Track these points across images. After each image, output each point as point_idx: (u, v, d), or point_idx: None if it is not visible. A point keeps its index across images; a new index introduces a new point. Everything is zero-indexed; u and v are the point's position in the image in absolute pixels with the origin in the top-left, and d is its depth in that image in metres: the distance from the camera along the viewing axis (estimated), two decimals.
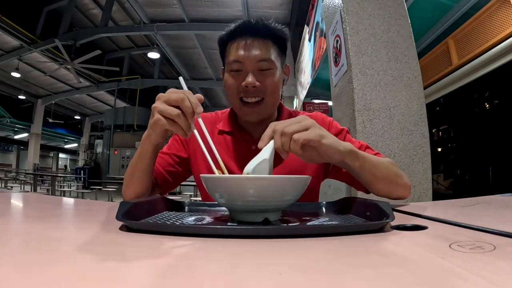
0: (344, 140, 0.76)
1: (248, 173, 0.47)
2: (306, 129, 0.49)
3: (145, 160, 0.61)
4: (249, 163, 0.49)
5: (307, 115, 0.81)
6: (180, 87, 0.58)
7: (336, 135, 0.76)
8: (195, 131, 0.53)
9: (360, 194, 1.49)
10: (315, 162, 0.53)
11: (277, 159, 0.73)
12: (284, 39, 0.72)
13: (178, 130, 0.50)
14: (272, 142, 0.49)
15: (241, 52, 0.68)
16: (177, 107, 0.50)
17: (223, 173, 0.53)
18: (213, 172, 0.52)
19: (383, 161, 0.63)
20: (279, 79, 0.71)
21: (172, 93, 0.51)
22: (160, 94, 0.52)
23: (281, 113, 0.81)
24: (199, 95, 0.52)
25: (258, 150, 0.74)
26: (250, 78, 0.67)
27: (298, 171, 0.72)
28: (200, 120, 0.53)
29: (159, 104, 0.51)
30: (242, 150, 0.76)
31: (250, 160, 0.76)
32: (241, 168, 0.72)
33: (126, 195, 0.65)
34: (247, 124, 0.78)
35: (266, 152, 0.48)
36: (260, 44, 0.68)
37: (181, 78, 0.61)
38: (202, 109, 0.51)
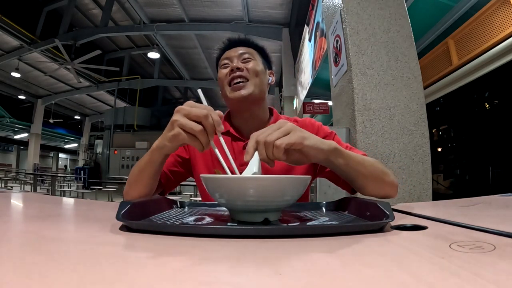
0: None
1: None
2: (287, 134, 0.49)
3: (153, 168, 0.61)
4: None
5: (298, 121, 0.84)
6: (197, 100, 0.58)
7: (324, 137, 0.78)
8: (216, 150, 0.53)
9: (360, 194, 1.48)
10: (302, 164, 0.54)
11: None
12: (265, 52, 0.86)
13: (198, 145, 0.50)
14: (257, 154, 0.49)
15: (228, 52, 0.82)
16: (199, 122, 0.49)
17: None
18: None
19: (369, 159, 0.63)
20: (262, 71, 0.81)
21: (193, 108, 0.50)
22: (180, 107, 0.51)
23: (273, 116, 0.86)
24: (220, 112, 0.52)
25: None
26: (234, 62, 0.79)
27: (287, 171, 0.74)
28: (221, 139, 0.54)
29: (179, 117, 0.50)
30: (237, 149, 0.80)
31: (243, 157, 0.77)
32: (236, 165, 0.74)
33: (129, 197, 0.64)
34: (240, 124, 0.84)
35: (254, 166, 0.49)
36: (242, 47, 0.83)
37: (200, 91, 0.61)
38: (223, 128, 0.51)
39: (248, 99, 0.77)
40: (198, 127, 0.49)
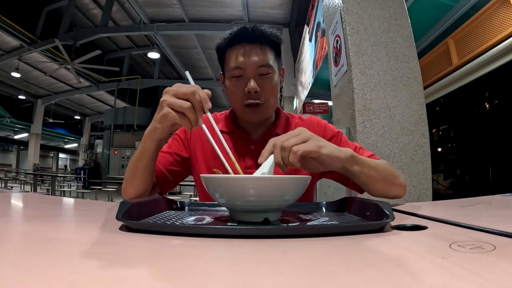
0: (340, 142, 0.78)
1: None
2: (305, 142, 0.50)
3: (147, 158, 0.60)
4: None
5: (303, 119, 0.82)
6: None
7: (332, 137, 0.78)
8: (204, 126, 0.53)
9: (360, 195, 1.48)
10: (318, 171, 0.54)
11: None
12: (278, 44, 0.75)
13: (187, 123, 0.51)
14: (271, 157, 0.50)
15: (241, 59, 0.70)
16: (187, 100, 0.50)
17: (233, 167, 0.53)
18: (225, 169, 0.52)
19: (380, 162, 0.64)
20: (277, 82, 0.74)
21: (180, 87, 0.51)
22: (168, 88, 0.52)
23: (279, 117, 0.82)
24: (207, 91, 0.52)
25: (256, 150, 0.75)
26: (252, 84, 0.70)
27: (292, 172, 0.73)
28: (209, 115, 0.54)
29: (168, 97, 0.51)
30: (242, 149, 0.77)
31: (249, 159, 0.76)
32: (240, 167, 0.73)
33: (126, 194, 0.64)
34: (246, 125, 0.80)
35: (265, 167, 0.49)
36: (258, 50, 0.70)
37: (187, 73, 0.61)
38: (210, 105, 0.52)
39: (263, 120, 0.76)
40: (186, 104, 0.50)
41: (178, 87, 0.52)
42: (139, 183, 0.63)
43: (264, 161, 0.50)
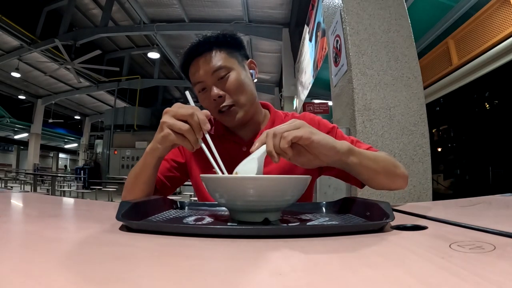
0: (335, 136, 0.76)
1: (236, 173, 0.50)
2: (296, 129, 0.50)
3: (148, 171, 0.61)
4: (240, 164, 0.51)
5: (297, 116, 0.81)
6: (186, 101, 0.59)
7: (327, 133, 0.77)
8: (203, 146, 0.53)
9: (360, 194, 1.48)
10: (314, 165, 0.53)
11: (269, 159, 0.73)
12: (228, 40, 0.73)
13: (187, 144, 0.51)
14: (264, 146, 0.50)
15: (197, 73, 0.70)
16: (185, 121, 0.51)
17: None
18: None
19: (380, 154, 0.63)
20: (242, 79, 0.71)
21: (180, 108, 0.52)
22: (168, 109, 0.53)
23: (271, 115, 0.81)
24: (206, 112, 0.53)
25: (248, 152, 0.75)
26: (213, 91, 0.69)
27: (289, 170, 0.72)
28: (208, 136, 0.54)
29: (167, 118, 0.52)
30: (233, 152, 0.76)
31: (241, 161, 0.77)
32: (232, 170, 0.73)
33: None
34: (236, 129, 0.80)
35: (255, 154, 0.50)
36: (207, 57, 0.70)
37: (187, 93, 0.61)
38: (209, 126, 0.52)
39: (243, 121, 0.74)
40: (185, 126, 0.50)
41: (178, 108, 0.52)
42: (139, 193, 0.64)
43: (256, 149, 0.50)
